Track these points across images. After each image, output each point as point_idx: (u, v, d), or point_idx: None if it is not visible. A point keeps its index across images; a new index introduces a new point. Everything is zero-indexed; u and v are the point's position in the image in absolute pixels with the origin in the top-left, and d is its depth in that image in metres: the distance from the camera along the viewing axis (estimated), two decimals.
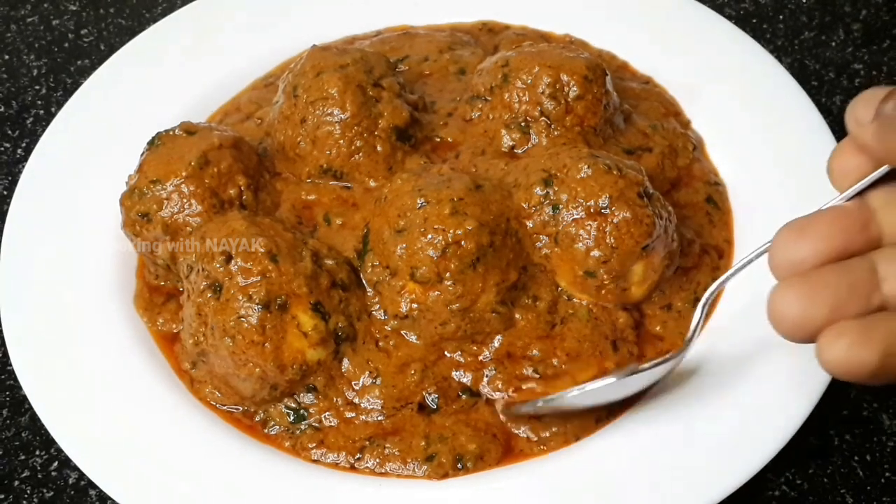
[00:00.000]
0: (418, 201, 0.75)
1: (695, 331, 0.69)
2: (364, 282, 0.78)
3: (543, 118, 0.84)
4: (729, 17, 1.03)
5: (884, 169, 0.57)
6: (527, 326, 0.77)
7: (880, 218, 0.56)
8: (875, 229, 0.56)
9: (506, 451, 0.74)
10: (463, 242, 0.74)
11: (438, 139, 0.88)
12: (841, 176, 0.59)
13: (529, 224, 0.77)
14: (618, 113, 0.89)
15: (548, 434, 0.74)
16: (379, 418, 0.75)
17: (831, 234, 0.55)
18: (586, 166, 0.76)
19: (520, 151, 0.85)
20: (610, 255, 0.75)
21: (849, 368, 0.52)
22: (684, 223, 0.84)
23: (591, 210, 0.75)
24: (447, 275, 0.74)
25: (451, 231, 0.73)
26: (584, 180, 0.75)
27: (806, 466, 0.78)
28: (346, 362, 0.76)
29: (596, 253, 0.75)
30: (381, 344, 0.77)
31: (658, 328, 0.79)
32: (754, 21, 1.12)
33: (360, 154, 0.84)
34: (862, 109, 0.55)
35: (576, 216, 0.75)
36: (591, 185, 0.75)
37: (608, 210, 0.74)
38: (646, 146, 0.88)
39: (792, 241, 0.55)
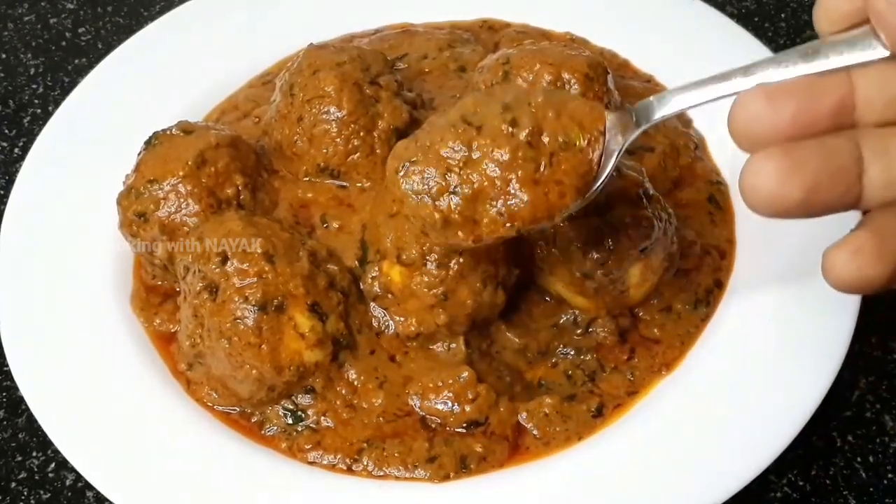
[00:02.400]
0: None
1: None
2: (364, 294, 0.78)
3: None
4: (731, 16, 1.02)
5: (882, 54, 0.50)
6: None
7: (861, 95, 0.50)
8: (851, 108, 0.50)
9: (513, 448, 0.73)
10: None
11: None
12: (829, 18, 0.52)
13: None
14: None
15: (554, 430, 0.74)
16: (379, 419, 0.74)
17: (809, 101, 0.50)
18: None
19: None
20: (607, 257, 0.74)
21: (860, 286, 0.49)
22: (686, 223, 0.84)
23: (589, 211, 0.74)
24: (432, 257, 0.73)
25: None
26: None
27: (808, 468, 0.78)
28: (347, 366, 0.75)
29: (593, 255, 0.74)
30: (397, 358, 0.77)
31: (655, 331, 0.79)
32: (756, 19, 1.12)
33: (358, 154, 0.83)
34: None
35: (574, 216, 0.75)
36: None
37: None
38: (647, 146, 0.88)
39: (763, 106, 0.49)
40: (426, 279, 0.74)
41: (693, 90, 0.56)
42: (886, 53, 0.49)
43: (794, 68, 0.51)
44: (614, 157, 0.62)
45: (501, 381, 0.76)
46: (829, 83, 0.50)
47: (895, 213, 0.50)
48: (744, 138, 0.50)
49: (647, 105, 0.60)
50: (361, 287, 0.78)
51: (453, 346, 0.76)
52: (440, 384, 0.74)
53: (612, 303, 0.77)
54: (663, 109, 0.58)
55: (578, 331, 0.78)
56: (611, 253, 0.74)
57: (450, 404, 0.74)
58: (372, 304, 0.78)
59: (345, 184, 0.84)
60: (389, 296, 0.77)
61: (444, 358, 0.76)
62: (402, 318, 0.77)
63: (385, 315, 0.77)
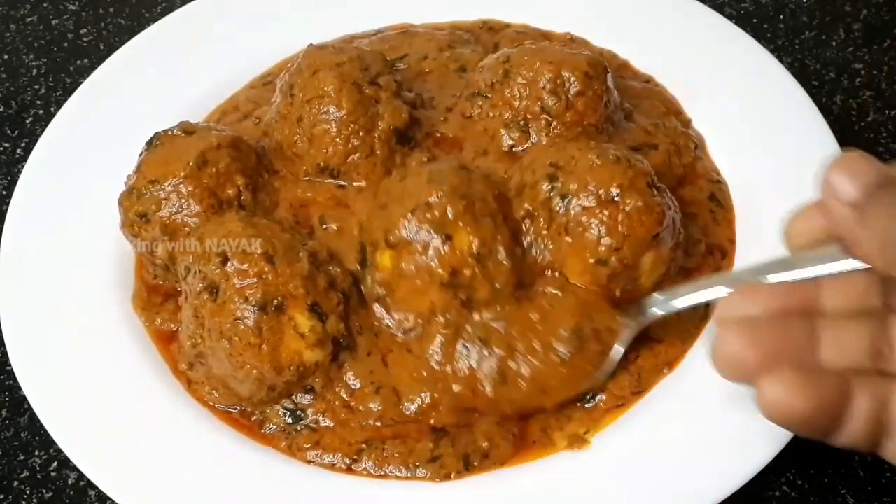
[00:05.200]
0: (400, 177, 0.77)
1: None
2: (366, 297, 0.78)
3: (544, 115, 0.84)
4: (729, 17, 1.03)
5: (847, 265, 0.57)
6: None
7: (825, 295, 0.58)
8: (818, 305, 0.58)
9: (518, 440, 0.74)
10: (434, 204, 0.74)
11: (439, 134, 0.88)
12: (798, 237, 0.61)
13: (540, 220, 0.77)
14: (618, 111, 0.89)
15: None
16: (377, 423, 0.74)
17: (778, 299, 0.58)
18: (595, 156, 0.76)
19: (519, 150, 0.85)
20: (622, 243, 0.74)
21: (783, 412, 0.54)
22: (694, 221, 0.84)
23: (603, 198, 0.74)
24: (416, 234, 0.74)
25: (424, 196, 0.74)
26: (594, 169, 0.75)
27: (806, 466, 0.78)
28: (347, 367, 0.76)
29: (607, 241, 0.74)
30: (387, 359, 0.76)
31: (657, 329, 0.79)
32: (755, 20, 1.12)
33: (358, 154, 0.83)
34: (845, 183, 0.55)
35: (586, 204, 0.75)
36: (602, 174, 0.75)
37: (619, 198, 0.74)
38: (651, 143, 0.88)
39: (739, 300, 0.59)
40: (413, 257, 0.74)
41: (681, 296, 0.72)
42: (854, 265, 0.57)
43: (771, 277, 0.61)
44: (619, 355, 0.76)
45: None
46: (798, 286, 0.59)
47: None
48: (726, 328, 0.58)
49: (642, 307, 0.75)
50: (363, 290, 0.78)
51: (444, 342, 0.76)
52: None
53: (623, 292, 0.77)
54: (656, 310, 0.75)
55: None
56: (625, 238, 0.74)
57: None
58: (375, 306, 0.78)
59: (343, 183, 0.85)
60: (388, 295, 0.77)
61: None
62: (399, 315, 0.77)
63: (386, 316, 0.78)
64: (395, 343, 0.77)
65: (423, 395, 0.74)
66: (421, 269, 0.74)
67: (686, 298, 0.71)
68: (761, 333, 0.56)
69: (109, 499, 0.71)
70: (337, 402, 0.75)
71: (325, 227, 0.82)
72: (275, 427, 0.75)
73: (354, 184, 0.84)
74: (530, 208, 0.77)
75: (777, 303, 0.58)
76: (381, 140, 0.83)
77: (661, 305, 0.74)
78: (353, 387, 0.75)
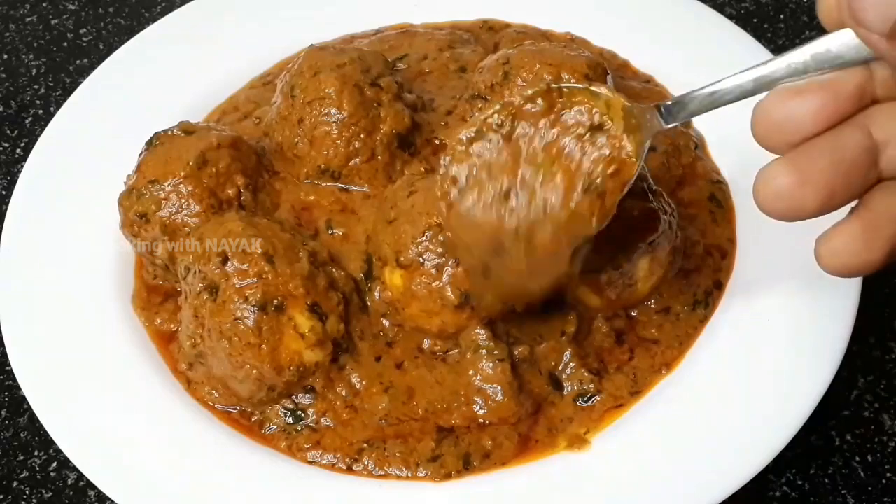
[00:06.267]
0: (408, 191, 0.76)
1: None
2: (371, 311, 0.78)
3: None
4: (730, 17, 1.03)
5: None
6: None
7: (879, 76, 0.50)
8: (871, 90, 0.50)
9: (523, 440, 0.74)
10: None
11: (438, 141, 0.88)
12: (829, 19, 0.51)
13: None
14: None
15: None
16: (382, 422, 0.74)
17: (826, 100, 0.49)
18: None
19: None
20: (617, 251, 0.74)
21: (846, 266, 0.49)
22: (692, 223, 0.84)
23: None
24: (428, 256, 0.73)
25: (435, 216, 0.73)
26: None
27: (807, 467, 0.78)
28: (349, 369, 0.76)
29: (603, 248, 0.74)
30: (405, 365, 0.76)
31: (654, 331, 0.79)
32: (755, 20, 1.12)
33: (359, 158, 0.83)
34: None
35: None
36: None
37: None
38: (650, 145, 0.88)
39: (780, 106, 0.50)
40: (425, 279, 0.74)
41: (713, 93, 0.58)
42: None
43: (807, 71, 0.51)
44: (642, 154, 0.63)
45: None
46: (847, 72, 0.50)
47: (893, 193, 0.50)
48: (769, 139, 0.51)
49: (670, 106, 0.60)
50: (368, 304, 0.78)
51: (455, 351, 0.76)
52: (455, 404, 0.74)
53: (619, 297, 0.77)
54: (686, 111, 0.60)
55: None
56: (620, 246, 0.74)
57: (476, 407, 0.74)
58: (383, 320, 0.78)
59: (347, 187, 0.84)
60: (396, 309, 0.76)
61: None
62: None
63: (397, 332, 0.77)
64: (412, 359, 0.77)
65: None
66: (433, 292, 0.73)
67: (712, 99, 0.58)
68: (814, 162, 0.48)
69: (109, 499, 0.71)
70: (338, 402, 0.75)
71: (331, 231, 0.82)
72: (275, 427, 0.75)
73: (359, 189, 0.84)
74: None
75: (826, 106, 0.49)
76: (383, 144, 0.83)
77: (674, 113, 0.61)
78: (358, 386, 0.75)
